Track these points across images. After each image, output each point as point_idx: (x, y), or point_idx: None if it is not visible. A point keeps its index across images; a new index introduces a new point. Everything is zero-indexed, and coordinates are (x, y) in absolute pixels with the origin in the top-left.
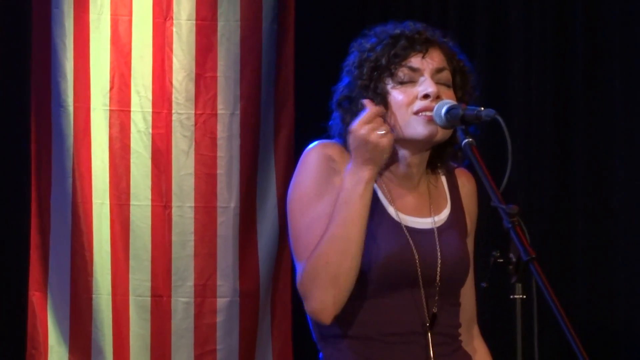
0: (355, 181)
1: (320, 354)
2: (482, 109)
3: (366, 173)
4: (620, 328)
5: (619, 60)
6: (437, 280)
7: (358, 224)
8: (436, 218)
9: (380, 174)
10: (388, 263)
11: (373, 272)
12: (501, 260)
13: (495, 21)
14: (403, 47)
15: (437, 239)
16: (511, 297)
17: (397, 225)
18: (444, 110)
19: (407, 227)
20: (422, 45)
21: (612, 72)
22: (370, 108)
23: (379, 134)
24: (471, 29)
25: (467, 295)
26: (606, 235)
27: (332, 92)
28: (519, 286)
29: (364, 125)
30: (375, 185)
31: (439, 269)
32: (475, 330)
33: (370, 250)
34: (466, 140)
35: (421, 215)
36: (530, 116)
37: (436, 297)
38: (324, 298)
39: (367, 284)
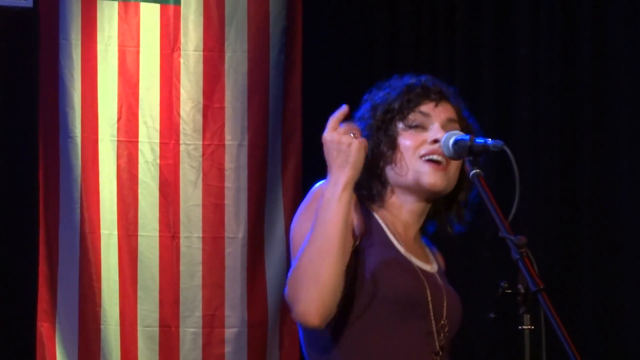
0: (332, 185)
1: None
2: (490, 140)
3: (342, 177)
4: (630, 357)
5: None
6: (445, 317)
7: (337, 225)
8: (434, 266)
9: (384, 213)
10: (403, 294)
11: (387, 303)
12: (509, 291)
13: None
14: (417, 94)
15: (440, 281)
16: (519, 327)
17: (408, 262)
18: (452, 141)
19: (417, 266)
20: (436, 95)
21: (619, 95)
22: (337, 112)
23: (350, 135)
24: (478, 61)
25: None
26: (615, 264)
27: None
28: (527, 317)
29: (332, 131)
30: (384, 226)
31: (445, 307)
32: None
33: (384, 282)
34: (474, 171)
35: (423, 260)
36: (537, 145)
37: (444, 333)
38: (307, 296)
39: (380, 315)
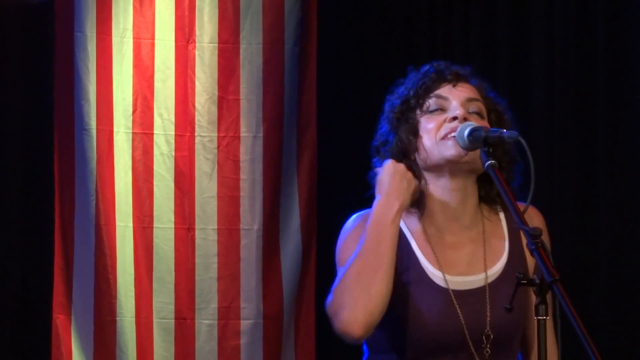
0: (387, 209)
1: None
2: (505, 130)
3: (397, 202)
4: None
5: None
6: (487, 339)
7: (389, 242)
8: (490, 272)
9: (428, 229)
10: (432, 331)
11: (418, 339)
12: (525, 282)
13: (516, 34)
14: (432, 78)
15: (487, 298)
16: (535, 318)
17: (443, 291)
18: (466, 133)
19: (455, 291)
20: (452, 76)
21: (636, 76)
22: None
23: (412, 174)
24: (493, 54)
25: (550, 343)
26: (632, 255)
27: (370, 151)
28: (542, 307)
29: (396, 162)
30: (417, 247)
31: (488, 329)
32: None
33: (414, 317)
34: (489, 162)
35: (472, 271)
36: (552, 132)
37: (487, 354)
38: (354, 307)
39: (413, 349)
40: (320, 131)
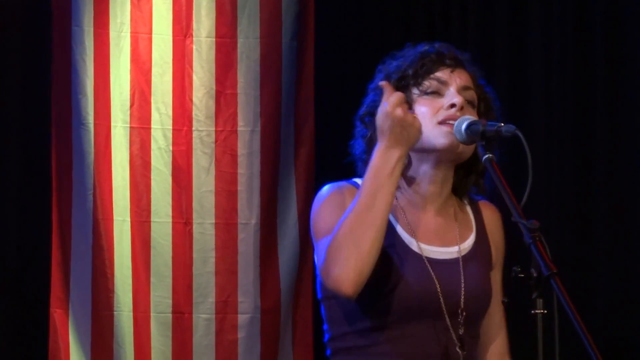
0: (385, 158)
1: None
2: (503, 124)
3: (397, 153)
4: None
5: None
6: (461, 312)
7: (385, 197)
8: (462, 246)
9: (402, 201)
10: (409, 297)
11: (394, 305)
12: (522, 275)
13: (515, 34)
14: (432, 60)
15: (461, 270)
16: (532, 312)
17: (418, 258)
18: (464, 126)
19: (429, 259)
20: (451, 61)
21: (633, 82)
22: (392, 91)
23: (413, 115)
24: (491, 46)
25: (498, 327)
26: (629, 248)
27: (354, 119)
28: (540, 301)
29: (397, 106)
30: (393, 218)
31: (462, 301)
32: None
33: (391, 284)
34: (486, 155)
35: (446, 243)
36: (550, 129)
37: (461, 328)
38: (347, 263)
39: (388, 315)
40: (318, 125)
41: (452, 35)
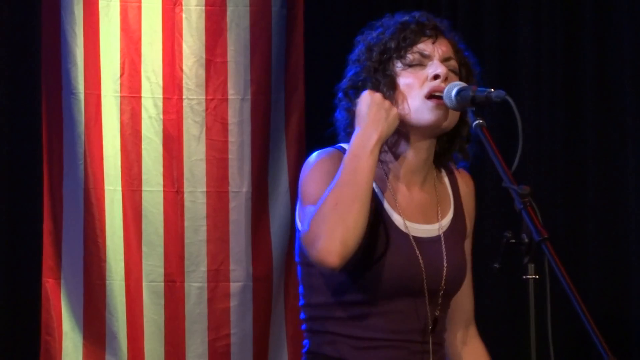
0: (365, 140)
1: (306, 342)
2: (492, 90)
3: (376, 132)
4: (633, 311)
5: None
6: (441, 289)
7: (367, 174)
8: (443, 222)
9: (389, 176)
10: (395, 275)
11: (379, 282)
12: (513, 241)
13: (503, 19)
14: (413, 31)
15: (443, 247)
16: (524, 277)
17: (404, 235)
18: (454, 92)
19: (415, 237)
20: (432, 31)
21: (622, 64)
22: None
23: (390, 102)
24: (479, 23)
25: (466, 294)
26: (620, 213)
27: (337, 88)
28: (531, 267)
29: (375, 92)
30: (380, 192)
31: (444, 279)
32: (473, 330)
33: (377, 261)
34: (477, 121)
35: (428, 220)
36: (541, 104)
37: (438, 305)
38: (332, 235)
39: (372, 291)
40: (308, 92)
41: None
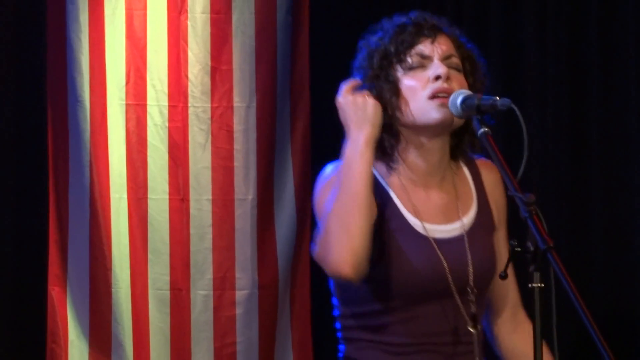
0: (354, 145)
1: (341, 346)
2: (498, 98)
3: (361, 135)
4: (639, 317)
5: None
6: (471, 289)
7: (362, 180)
8: (465, 220)
9: (404, 181)
10: (419, 281)
11: (403, 289)
12: (519, 249)
13: (509, 18)
14: (411, 33)
15: (467, 246)
16: (529, 286)
17: (424, 239)
18: (459, 100)
19: (436, 239)
20: (430, 31)
21: (627, 59)
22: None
23: (364, 95)
24: (485, 23)
25: (507, 282)
26: (626, 221)
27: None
28: (537, 275)
29: (346, 93)
30: (396, 198)
31: (471, 277)
32: (522, 315)
33: (399, 268)
34: (482, 129)
35: (449, 220)
36: (546, 105)
37: (473, 305)
38: (340, 247)
39: (397, 298)
40: (314, 100)
41: (446, 4)
